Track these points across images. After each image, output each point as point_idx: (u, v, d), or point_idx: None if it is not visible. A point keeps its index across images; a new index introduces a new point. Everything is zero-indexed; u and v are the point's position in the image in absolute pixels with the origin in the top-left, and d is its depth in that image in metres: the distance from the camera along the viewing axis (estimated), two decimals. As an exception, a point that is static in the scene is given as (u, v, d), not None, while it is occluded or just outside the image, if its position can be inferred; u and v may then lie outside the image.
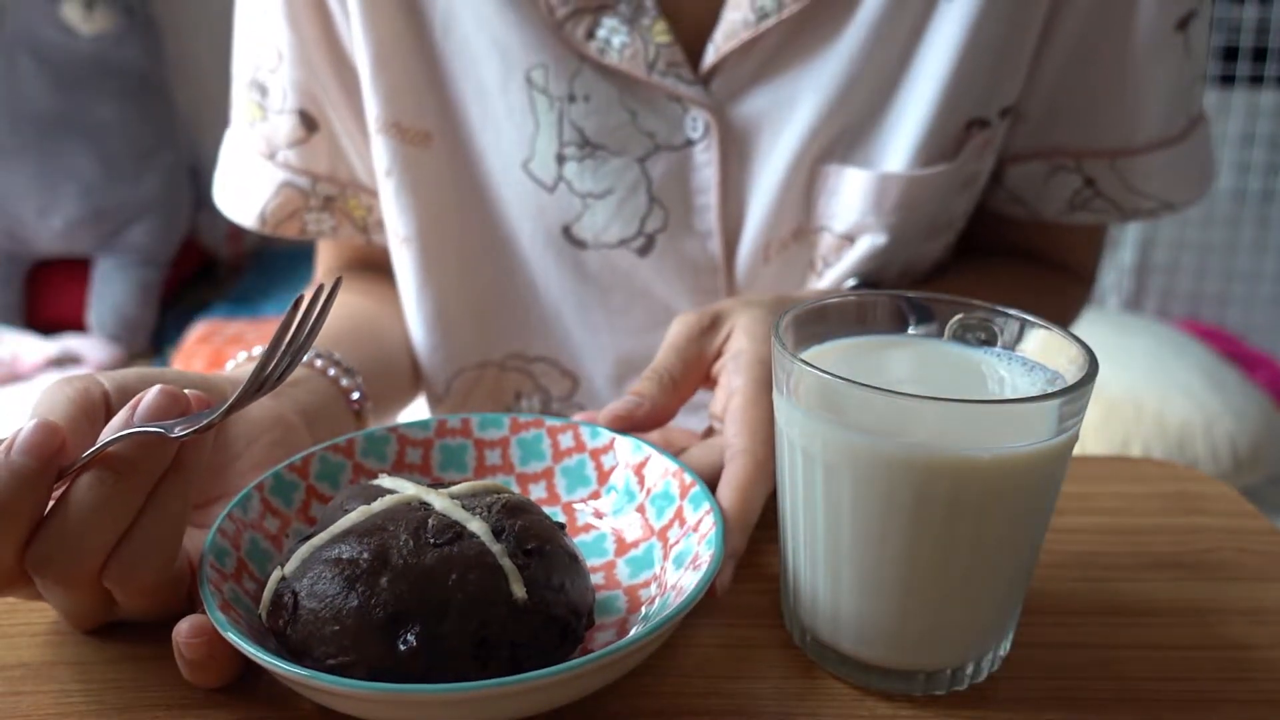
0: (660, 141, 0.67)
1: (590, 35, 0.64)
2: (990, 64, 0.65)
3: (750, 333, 0.53)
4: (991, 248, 0.78)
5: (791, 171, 0.67)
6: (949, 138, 0.66)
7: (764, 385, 0.50)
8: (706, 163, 0.67)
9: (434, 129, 0.69)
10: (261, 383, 0.40)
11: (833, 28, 0.64)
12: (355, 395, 0.58)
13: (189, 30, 2.28)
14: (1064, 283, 0.78)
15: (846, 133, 0.66)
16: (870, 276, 0.69)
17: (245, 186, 0.73)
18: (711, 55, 0.65)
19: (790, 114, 0.66)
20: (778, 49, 0.65)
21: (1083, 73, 0.67)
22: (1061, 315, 0.77)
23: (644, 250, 0.70)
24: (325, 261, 0.84)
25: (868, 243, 0.67)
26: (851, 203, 0.67)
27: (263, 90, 0.71)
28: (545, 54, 0.65)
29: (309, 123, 0.71)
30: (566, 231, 0.70)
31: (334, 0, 0.67)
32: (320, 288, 0.41)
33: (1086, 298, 0.81)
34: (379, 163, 0.69)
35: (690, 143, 0.67)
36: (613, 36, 0.64)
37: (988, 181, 0.73)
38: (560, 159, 0.67)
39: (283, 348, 0.40)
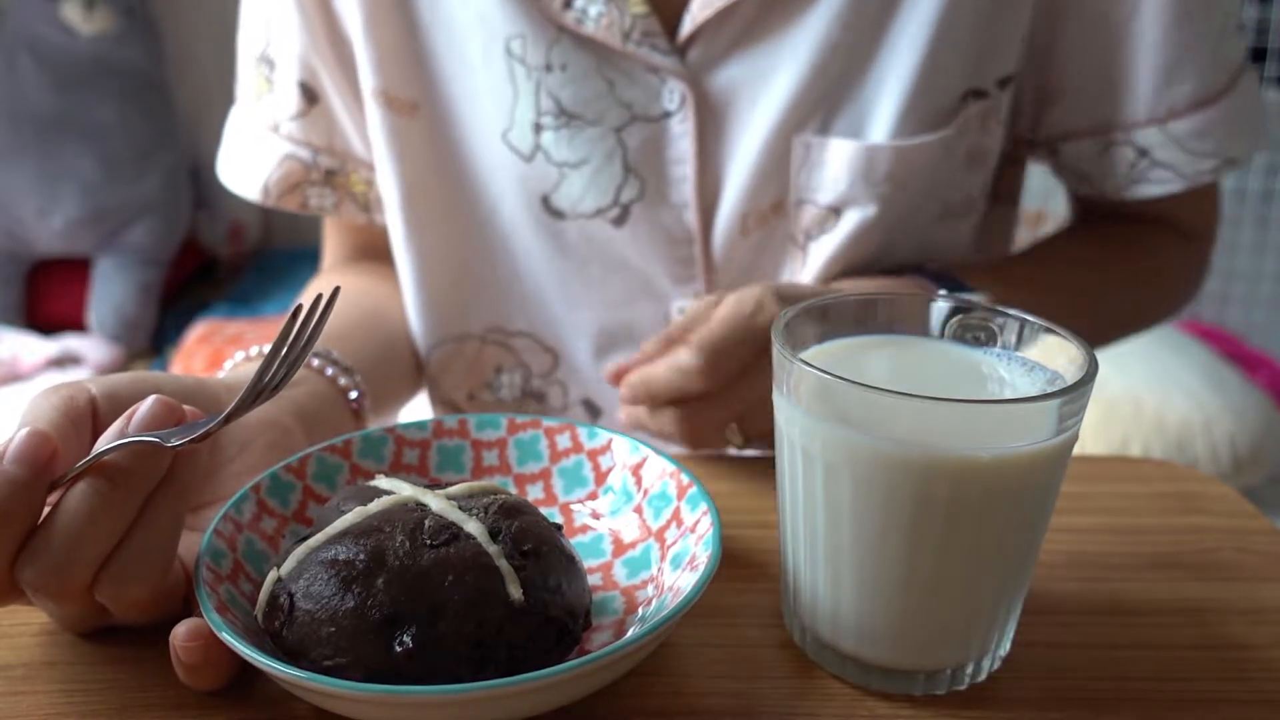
0: (637, 112, 0.68)
1: (568, 5, 0.65)
2: (975, 31, 0.65)
3: (747, 294, 0.57)
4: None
5: (770, 143, 0.67)
6: (937, 107, 0.66)
7: (740, 315, 0.55)
8: (683, 134, 0.68)
9: (420, 99, 0.70)
10: (259, 391, 0.40)
11: None
12: (354, 395, 0.58)
13: (189, 30, 2.29)
14: (1163, 242, 0.77)
15: (825, 102, 0.66)
16: (913, 263, 0.69)
17: (249, 160, 0.75)
18: (688, 25, 0.65)
19: (767, 84, 0.66)
20: (754, 18, 0.65)
21: (1101, 45, 0.67)
22: (1163, 277, 0.78)
23: (619, 220, 0.70)
24: (332, 250, 0.85)
25: (857, 215, 0.67)
26: (837, 174, 0.67)
27: (270, 64, 0.73)
28: (524, 23, 0.66)
29: (309, 95, 0.73)
30: (545, 202, 0.70)
31: None
32: (319, 297, 0.41)
33: (1204, 255, 0.80)
34: (373, 130, 0.71)
35: (667, 114, 0.68)
36: (589, 6, 0.65)
37: (1050, 163, 0.74)
38: (537, 128, 0.68)
39: (281, 356, 0.40)
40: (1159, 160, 0.69)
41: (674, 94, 0.67)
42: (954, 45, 0.64)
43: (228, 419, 0.39)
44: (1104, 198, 0.73)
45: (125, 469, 0.38)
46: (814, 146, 0.67)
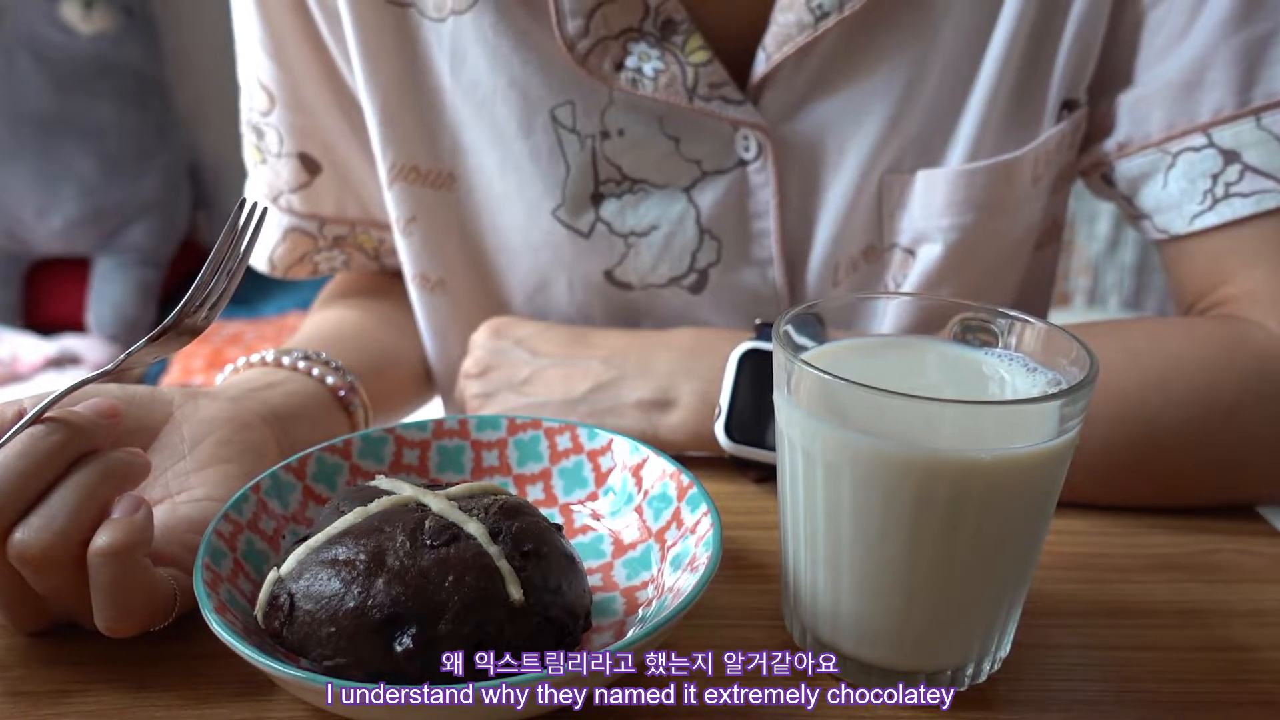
0: (707, 167, 0.62)
1: (619, 66, 0.59)
2: (1074, 36, 0.59)
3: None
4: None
5: (859, 186, 0.61)
6: (1033, 119, 0.60)
7: None
8: (763, 184, 0.62)
9: (456, 171, 0.66)
10: (201, 303, 0.45)
11: (900, 23, 0.58)
12: (342, 392, 0.58)
13: (189, 30, 2.28)
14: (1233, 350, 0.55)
15: (921, 133, 0.60)
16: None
17: None
18: (762, 65, 0.59)
19: (857, 124, 0.60)
20: (838, 52, 0.59)
21: (1172, 23, 0.57)
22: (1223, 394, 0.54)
23: (696, 287, 0.65)
24: (333, 280, 0.82)
25: (954, 246, 0.61)
26: (934, 205, 0.61)
27: (259, 133, 0.69)
28: (571, 90, 0.61)
29: (310, 165, 0.69)
30: (609, 276, 0.65)
31: (329, 36, 0.64)
32: (255, 206, 0.46)
33: None
34: (398, 212, 0.67)
35: (743, 163, 0.62)
36: (644, 64, 0.59)
37: (1108, 193, 0.64)
38: (596, 199, 0.63)
39: (215, 268, 0.44)
40: (1252, 164, 0.56)
41: (749, 141, 0.61)
42: (1052, 53, 0.58)
43: (151, 339, 0.43)
44: (1167, 235, 0.60)
45: (46, 427, 0.40)
46: (909, 183, 0.61)
